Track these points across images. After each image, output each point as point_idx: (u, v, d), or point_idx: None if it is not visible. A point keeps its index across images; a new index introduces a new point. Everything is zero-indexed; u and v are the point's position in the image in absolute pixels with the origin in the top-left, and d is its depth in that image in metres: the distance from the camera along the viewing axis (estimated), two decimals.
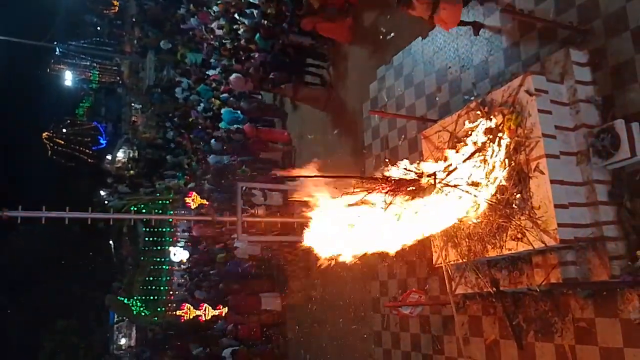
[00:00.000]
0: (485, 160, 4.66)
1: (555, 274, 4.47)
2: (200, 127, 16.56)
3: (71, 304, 32.72)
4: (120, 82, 39.73)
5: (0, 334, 30.97)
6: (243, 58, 11.99)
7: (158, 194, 21.43)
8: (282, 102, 12.99)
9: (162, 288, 21.96)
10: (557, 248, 4.35)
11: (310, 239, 4.12)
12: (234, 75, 12.12)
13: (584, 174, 4.42)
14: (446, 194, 4.51)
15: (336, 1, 9.40)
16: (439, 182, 4.42)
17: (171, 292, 21.64)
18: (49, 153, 38.07)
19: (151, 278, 22.09)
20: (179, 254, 20.83)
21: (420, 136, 6.03)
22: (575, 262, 4.46)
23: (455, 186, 4.52)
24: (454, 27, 6.07)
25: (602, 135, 4.26)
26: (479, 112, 4.94)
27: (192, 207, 15.50)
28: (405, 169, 4.51)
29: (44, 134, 38.06)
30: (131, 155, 32.71)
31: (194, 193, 15.39)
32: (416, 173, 4.44)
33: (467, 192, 4.55)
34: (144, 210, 20.13)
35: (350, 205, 4.17)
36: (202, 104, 16.48)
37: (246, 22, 12.27)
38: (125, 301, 22.35)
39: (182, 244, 20.75)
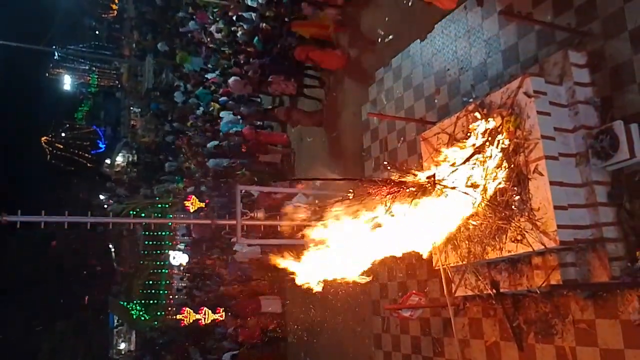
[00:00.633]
0: (484, 162, 4.67)
1: (555, 276, 4.47)
2: (199, 130, 16.56)
3: (70, 306, 32.70)
4: (119, 85, 39.78)
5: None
6: (242, 61, 11.99)
7: (157, 198, 21.41)
8: (282, 103, 12.99)
9: (161, 292, 21.93)
10: (557, 249, 4.35)
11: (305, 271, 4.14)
12: (232, 78, 12.12)
13: (583, 175, 4.42)
14: (445, 196, 4.51)
15: (324, 35, 9.60)
16: (438, 184, 4.42)
17: (171, 296, 21.61)
18: (48, 157, 38.11)
19: (151, 282, 22.07)
20: (178, 257, 20.81)
21: (419, 138, 6.03)
22: (575, 263, 4.45)
23: (454, 188, 4.53)
24: (452, 6, 6.06)
25: (601, 136, 4.26)
26: (477, 114, 4.94)
27: (191, 210, 15.49)
28: (404, 170, 4.52)
29: (43, 138, 38.11)
30: (130, 159, 32.73)
31: (193, 196, 15.38)
32: (415, 175, 4.44)
33: (466, 194, 4.55)
34: (142, 214, 20.12)
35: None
36: (201, 108, 16.49)
37: (245, 25, 12.28)
38: (125, 305, 22.35)
39: (182, 247, 20.75)
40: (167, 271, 21.94)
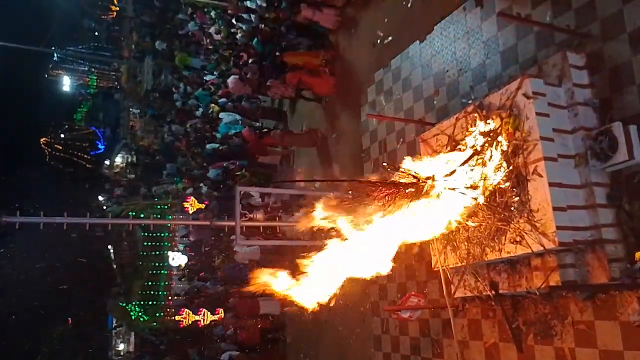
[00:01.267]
0: (483, 164, 4.67)
1: (554, 277, 4.47)
2: (198, 131, 16.57)
3: (70, 309, 32.64)
4: (118, 87, 39.78)
5: None
6: (241, 63, 12.00)
7: (156, 199, 21.41)
8: (281, 104, 12.99)
9: (160, 293, 21.89)
10: (556, 251, 4.35)
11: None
12: (231, 78, 12.14)
13: (582, 176, 4.42)
14: (444, 197, 4.51)
15: (315, 64, 9.95)
16: (438, 185, 4.42)
17: (170, 297, 21.59)
18: (47, 158, 38.08)
19: (150, 283, 22.04)
20: (177, 258, 20.79)
21: (419, 139, 6.03)
22: (574, 264, 4.45)
23: (453, 189, 4.52)
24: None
25: (600, 137, 4.26)
26: (476, 116, 4.94)
27: (190, 211, 15.49)
28: (403, 171, 4.51)
29: (42, 139, 38.08)
30: (129, 160, 32.73)
31: (192, 198, 15.38)
32: (414, 176, 4.44)
33: (465, 195, 4.55)
34: (142, 215, 20.10)
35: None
36: (200, 109, 16.50)
37: (244, 27, 12.30)
38: (124, 306, 22.32)
39: (181, 247, 20.73)
40: (166, 272, 21.91)
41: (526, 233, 4.36)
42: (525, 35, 5.53)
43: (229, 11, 13.22)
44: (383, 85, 8.30)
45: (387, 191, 4.27)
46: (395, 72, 7.99)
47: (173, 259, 21.02)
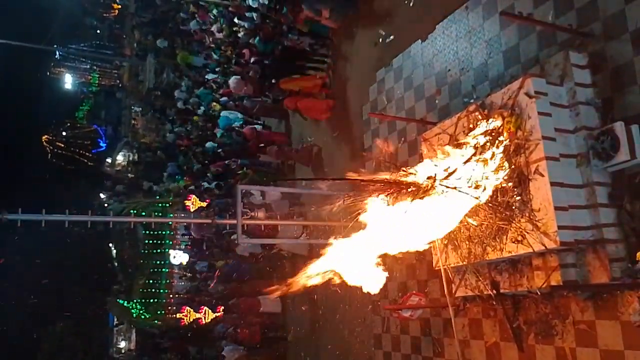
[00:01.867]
0: (485, 163, 4.67)
1: (555, 277, 4.47)
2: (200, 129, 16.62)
3: (70, 306, 32.70)
4: (120, 85, 39.81)
5: None
6: (243, 61, 12.01)
7: (158, 197, 21.42)
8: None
9: (161, 291, 21.93)
10: (557, 250, 4.35)
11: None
12: (233, 78, 12.14)
13: (583, 176, 4.42)
14: (445, 196, 4.51)
15: (311, 89, 10.24)
16: (439, 184, 4.42)
17: (171, 295, 21.62)
18: (49, 156, 38.12)
19: (151, 281, 22.07)
20: (178, 256, 20.82)
21: (420, 139, 6.03)
22: (576, 264, 4.45)
23: (454, 188, 4.52)
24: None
25: (602, 137, 4.26)
26: (478, 115, 4.94)
27: (192, 209, 15.50)
28: (405, 170, 4.52)
29: (44, 137, 38.11)
30: (131, 158, 32.75)
31: (194, 196, 15.39)
32: (414, 175, 4.45)
33: (466, 194, 4.55)
34: (143, 213, 20.13)
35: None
36: (202, 108, 16.52)
37: (246, 24, 12.29)
38: (125, 304, 22.35)
39: (182, 246, 20.75)
40: (167, 270, 21.94)
41: (527, 232, 4.36)
42: (527, 35, 5.53)
43: (231, 9, 13.22)
44: (385, 85, 8.30)
45: (389, 190, 4.27)
46: (397, 71, 7.98)
47: (174, 257, 21.05)
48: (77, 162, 39.23)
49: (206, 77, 16.53)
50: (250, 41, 11.85)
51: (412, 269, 7.22)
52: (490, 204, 4.61)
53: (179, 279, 21.19)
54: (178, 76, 20.99)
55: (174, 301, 20.77)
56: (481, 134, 4.80)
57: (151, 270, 22.17)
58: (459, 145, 5.01)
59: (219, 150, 13.93)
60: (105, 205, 25.33)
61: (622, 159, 4.14)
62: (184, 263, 20.11)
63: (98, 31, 42.98)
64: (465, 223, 4.87)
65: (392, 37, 8.29)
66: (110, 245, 27.88)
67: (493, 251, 4.74)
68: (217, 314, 13.87)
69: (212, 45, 15.70)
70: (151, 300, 21.76)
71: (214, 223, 8.32)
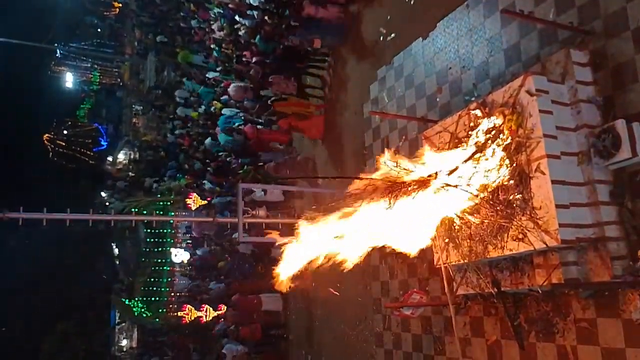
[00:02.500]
0: (486, 161, 4.66)
1: (556, 275, 4.47)
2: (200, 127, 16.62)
3: (72, 305, 32.73)
4: (121, 83, 39.81)
5: (0, 336, 30.99)
6: (244, 60, 12.01)
7: (159, 195, 21.44)
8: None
9: (163, 289, 21.96)
10: (559, 248, 4.35)
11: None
12: (232, 86, 12.22)
13: (585, 174, 4.42)
14: (446, 193, 4.51)
15: (305, 112, 10.64)
16: (440, 182, 4.41)
17: (172, 294, 21.65)
18: (50, 155, 38.13)
19: (152, 279, 22.10)
20: (180, 255, 20.85)
21: (421, 137, 6.03)
22: (577, 262, 4.45)
23: (455, 186, 4.52)
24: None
25: (603, 135, 4.26)
26: (479, 113, 4.94)
27: (193, 208, 15.51)
28: (405, 168, 4.51)
29: (45, 136, 38.12)
30: (132, 156, 32.77)
31: (195, 194, 15.41)
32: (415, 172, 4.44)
33: (467, 192, 4.55)
34: (144, 212, 20.15)
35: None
36: (202, 106, 16.51)
37: (246, 22, 12.28)
38: (127, 302, 22.40)
39: (184, 245, 20.78)
40: (168, 268, 21.98)
41: (529, 230, 4.35)
42: (528, 33, 5.52)
43: (230, 6, 13.21)
44: (385, 83, 8.29)
45: (390, 188, 4.27)
46: (398, 69, 7.98)
47: (176, 255, 21.09)
48: (78, 160, 39.23)
49: (207, 75, 16.52)
50: (251, 40, 11.84)
51: (413, 267, 7.22)
52: (491, 202, 4.61)
53: (180, 277, 21.23)
54: (180, 74, 20.97)
55: (175, 299, 20.81)
56: (482, 132, 4.80)
57: (152, 268, 22.21)
58: (460, 144, 5.01)
59: (220, 154, 13.97)
60: (107, 203, 25.34)
61: (623, 156, 4.14)
62: (185, 261, 20.15)
63: (99, 30, 42.97)
64: (467, 221, 4.87)
65: (393, 35, 8.28)
66: (112, 244, 27.92)
67: (494, 249, 4.74)
68: (219, 312, 13.90)
69: (213, 45, 15.67)
70: (152, 299, 21.80)
71: (215, 221, 8.33)
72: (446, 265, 5.45)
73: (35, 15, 37.17)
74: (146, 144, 27.22)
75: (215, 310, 14.07)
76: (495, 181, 4.60)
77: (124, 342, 29.72)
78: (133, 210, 19.89)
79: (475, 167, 4.64)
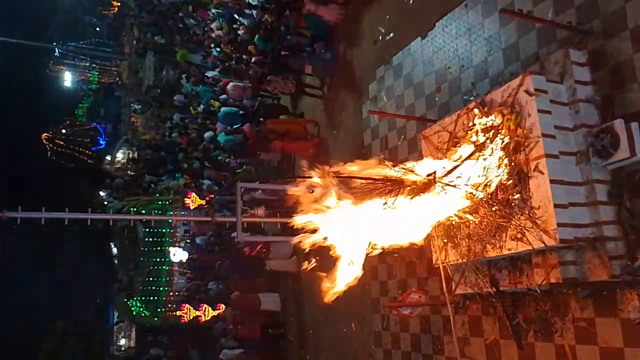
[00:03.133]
0: (484, 160, 4.66)
1: (555, 274, 4.47)
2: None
3: (70, 305, 32.71)
4: (120, 82, 39.73)
5: (0, 335, 30.96)
6: (244, 59, 12.00)
7: (157, 195, 21.43)
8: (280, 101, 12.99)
9: (162, 288, 21.97)
10: (557, 248, 4.35)
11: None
12: (231, 84, 12.20)
13: (583, 173, 4.42)
14: (445, 193, 4.51)
15: (297, 130, 11.02)
16: (438, 182, 4.42)
17: (171, 293, 21.66)
18: (48, 154, 38.05)
19: (151, 278, 22.11)
20: (178, 254, 20.84)
21: (420, 136, 6.03)
22: (575, 262, 4.45)
23: (454, 186, 4.53)
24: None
25: (602, 135, 4.26)
26: (478, 112, 4.94)
27: (192, 207, 15.49)
28: (405, 168, 4.51)
29: (43, 135, 38.03)
30: (130, 155, 32.73)
31: (193, 193, 15.39)
32: (415, 173, 4.44)
33: (466, 191, 4.55)
34: (143, 211, 20.15)
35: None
36: (201, 105, 16.50)
37: (245, 22, 12.26)
38: (126, 301, 22.41)
39: (182, 244, 20.78)
40: (167, 268, 21.98)
41: (527, 230, 4.35)
42: (527, 32, 5.52)
43: (230, 5, 13.20)
44: (384, 82, 8.29)
45: (389, 187, 4.27)
46: (397, 68, 7.98)
47: (174, 254, 21.08)
48: (77, 160, 39.15)
49: (206, 74, 16.50)
50: (250, 40, 11.83)
51: (412, 266, 7.22)
52: (489, 202, 4.61)
53: (179, 277, 21.23)
54: (179, 73, 20.97)
55: (174, 299, 20.81)
56: (481, 131, 4.80)
57: (151, 268, 22.21)
58: (458, 143, 5.01)
59: (218, 158, 13.99)
60: (105, 203, 25.30)
61: (621, 156, 4.14)
62: (184, 261, 20.14)
63: (97, 29, 42.88)
64: (465, 220, 4.87)
65: (391, 34, 8.28)
66: (111, 243, 27.91)
67: (493, 249, 4.74)
68: (217, 312, 13.89)
69: (212, 45, 15.66)
70: (151, 298, 21.80)
71: (213, 221, 8.31)
72: (445, 264, 5.45)
73: (33, 15, 37.13)
74: (145, 143, 27.19)
75: (214, 309, 14.06)
76: (493, 181, 4.60)
77: (123, 342, 29.69)
78: (132, 209, 19.90)
79: (474, 167, 4.65)
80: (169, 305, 21.20)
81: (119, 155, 35.45)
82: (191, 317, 14.99)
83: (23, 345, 31.75)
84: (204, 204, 14.61)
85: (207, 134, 14.88)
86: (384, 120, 8.20)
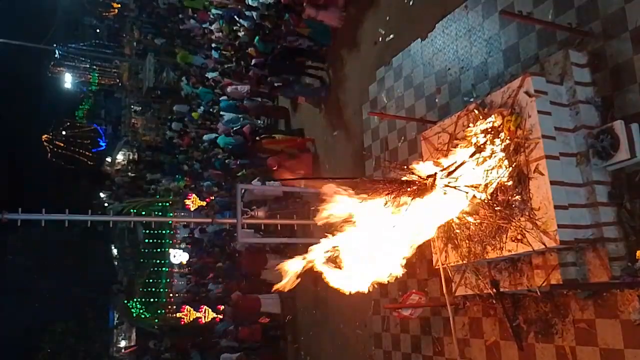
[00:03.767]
0: (484, 162, 4.66)
1: (555, 275, 4.47)
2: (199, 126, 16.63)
3: (70, 306, 32.70)
4: (120, 84, 39.76)
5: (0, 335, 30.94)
6: (243, 60, 12.02)
7: (158, 196, 21.45)
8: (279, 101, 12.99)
9: (162, 290, 21.96)
10: (557, 249, 4.35)
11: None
12: (230, 88, 12.23)
13: (583, 175, 4.42)
14: (445, 194, 4.51)
15: (294, 146, 11.14)
16: (439, 183, 4.42)
17: (171, 295, 21.64)
18: (48, 155, 38.06)
19: (151, 280, 22.10)
20: (178, 256, 20.84)
21: (420, 137, 6.03)
22: (575, 263, 4.45)
23: (455, 187, 4.52)
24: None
25: (602, 136, 4.26)
26: (478, 114, 4.94)
27: (192, 209, 15.50)
28: (405, 170, 4.51)
29: (43, 137, 38.04)
30: (131, 157, 32.75)
31: (194, 195, 15.40)
32: (416, 174, 4.44)
33: (466, 193, 4.55)
34: (143, 213, 20.16)
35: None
36: (201, 107, 16.51)
37: (246, 24, 12.27)
38: (125, 303, 22.41)
39: (182, 246, 20.77)
40: (167, 269, 21.97)
41: (527, 231, 4.35)
42: (527, 34, 5.53)
43: (230, 6, 13.21)
44: (384, 83, 8.29)
45: (390, 189, 4.27)
46: (397, 70, 7.98)
47: (174, 256, 21.07)
48: (77, 161, 39.17)
49: (206, 75, 16.52)
50: (250, 41, 11.84)
51: (412, 267, 7.21)
52: (490, 203, 4.61)
53: (179, 278, 21.22)
54: (180, 74, 20.97)
55: (174, 300, 20.79)
56: (481, 132, 4.80)
57: (151, 269, 22.20)
58: (459, 145, 5.01)
59: (218, 157, 13.98)
60: (105, 204, 25.33)
61: (621, 157, 4.14)
62: (184, 262, 20.14)
63: (98, 30, 42.94)
64: (465, 222, 4.87)
65: (392, 36, 8.28)
66: (111, 245, 27.91)
67: (493, 250, 4.74)
68: (218, 313, 13.88)
69: (213, 45, 15.67)
70: (151, 300, 21.79)
71: (213, 222, 8.32)
72: (445, 266, 5.45)
73: (34, 16, 37.17)
74: (145, 144, 27.21)
75: (214, 311, 14.05)
76: (494, 182, 4.60)
77: (123, 343, 29.70)
78: (132, 211, 19.91)
79: (474, 168, 4.65)
80: (169, 306, 21.19)
81: (119, 157, 35.47)
82: (191, 319, 15.00)
83: (23, 346, 31.73)
84: (204, 205, 14.63)
85: (207, 136, 14.88)
86: (384, 121, 8.20)
